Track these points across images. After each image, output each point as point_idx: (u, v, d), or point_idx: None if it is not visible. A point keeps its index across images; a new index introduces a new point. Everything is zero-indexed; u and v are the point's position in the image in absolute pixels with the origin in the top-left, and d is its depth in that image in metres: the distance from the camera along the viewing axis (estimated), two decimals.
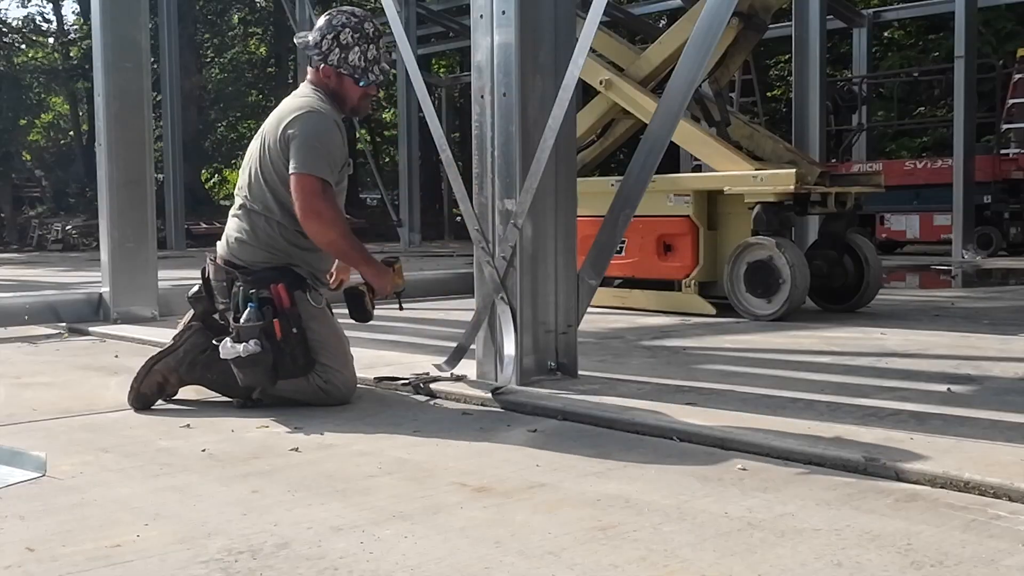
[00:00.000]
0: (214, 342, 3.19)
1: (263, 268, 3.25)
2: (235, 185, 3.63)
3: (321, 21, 3.43)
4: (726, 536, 1.89)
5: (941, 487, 2.18)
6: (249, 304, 3.14)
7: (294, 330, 3.15)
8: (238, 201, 3.41)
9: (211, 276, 3.33)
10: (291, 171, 3.23)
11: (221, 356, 3.12)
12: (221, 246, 3.38)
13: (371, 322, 3.45)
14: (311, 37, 3.41)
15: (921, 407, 2.97)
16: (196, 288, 3.36)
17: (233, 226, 3.37)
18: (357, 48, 3.38)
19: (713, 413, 2.89)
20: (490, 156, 3.48)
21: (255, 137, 3.46)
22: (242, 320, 3.12)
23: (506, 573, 1.71)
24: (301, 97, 3.39)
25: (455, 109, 24.06)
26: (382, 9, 4.16)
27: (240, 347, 3.08)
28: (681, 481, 2.27)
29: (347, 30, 3.37)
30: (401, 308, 3.60)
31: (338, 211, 3.30)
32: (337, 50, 3.37)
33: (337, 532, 1.94)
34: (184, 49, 20.12)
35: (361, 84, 3.41)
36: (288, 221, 3.29)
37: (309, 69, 3.47)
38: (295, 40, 3.60)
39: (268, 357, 3.09)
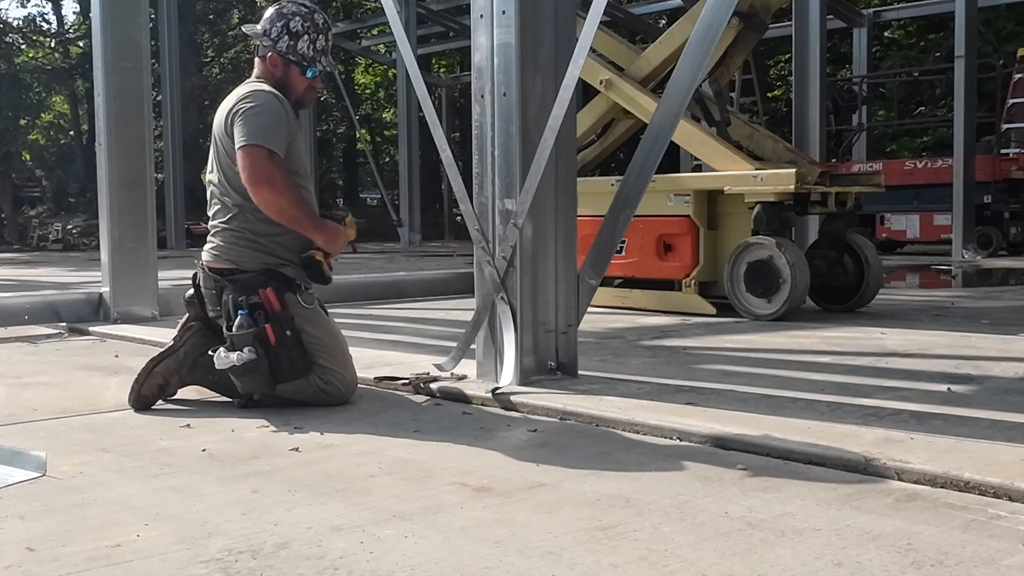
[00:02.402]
0: (210, 352, 3.16)
1: (250, 274, 3.21)
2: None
3: (271, 11, 3.41)
4: (726, 536, 1.89)
5: (941, 487, 2.18)
6: (239, 312, 3.12)
7: (287, 333, 3.12)
8: (213, 208, 3.37)
9: (201, 283, 3.31)
10: (237, 146, 3.19)
11: (217, 367, 3.10)
12: (207, 253, 3.33)
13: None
14: (260, 25, 3.40)
15: (921, 407, 2.97)
16: (191, 292, 3.34)
17: (216, 231, 3.33)
18: (307, 36, 3.37)
19: (713, 413, 2.89)
20: (490, 156, 3.48)
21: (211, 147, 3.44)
22: (234, 328, 3.10)
23: (506, 573, 1.71)
24: (243, 86, 3.39)
25: (455, 109, 24.08)
26: (382, 9, 4.16)
27: (234, 356, 3.06)
28: (681, 481, 2.27)
29: (297, 18, 3.37)
30: (355, 251, 3.48)
31: (288, 177, 3.23)
32: (286, 37, 3.36)
33: (337, 532, 1.94)
34: (184, 49, 20.13)
35: (308, 74, 3.40)
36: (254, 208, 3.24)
37: (256, 61, 3.45)
38: (243, 29, 3.58)
39: (263, 363, 3.07)
